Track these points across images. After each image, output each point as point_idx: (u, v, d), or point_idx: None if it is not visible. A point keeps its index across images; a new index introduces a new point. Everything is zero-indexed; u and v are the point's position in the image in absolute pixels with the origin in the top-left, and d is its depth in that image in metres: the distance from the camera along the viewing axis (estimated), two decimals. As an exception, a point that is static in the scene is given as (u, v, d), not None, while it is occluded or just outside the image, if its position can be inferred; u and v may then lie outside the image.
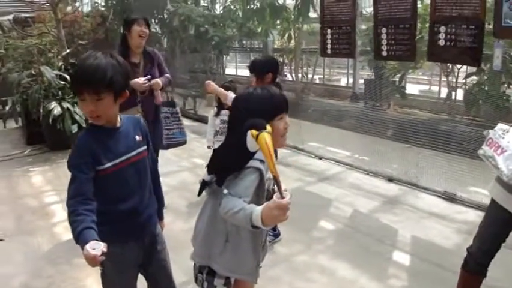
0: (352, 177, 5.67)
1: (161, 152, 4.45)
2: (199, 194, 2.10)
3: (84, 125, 6.14)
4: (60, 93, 6.61)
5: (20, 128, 8.08)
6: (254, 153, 1.84)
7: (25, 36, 8.54)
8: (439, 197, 4.91)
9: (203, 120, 8.63)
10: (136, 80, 4.03)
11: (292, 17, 9.52)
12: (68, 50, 7.70)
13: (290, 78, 10.78)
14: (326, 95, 10.57)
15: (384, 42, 5.05)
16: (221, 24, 11.36)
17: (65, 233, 4.26)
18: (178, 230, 3.95)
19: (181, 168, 6.17)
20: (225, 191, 1.85)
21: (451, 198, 4.81)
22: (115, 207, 2.02)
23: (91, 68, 1.85)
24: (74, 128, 6.25)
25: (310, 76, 10.65)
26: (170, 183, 5.45)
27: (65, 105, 6.32)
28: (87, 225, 1.71)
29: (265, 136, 1.72)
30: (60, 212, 4.67)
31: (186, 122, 9.10)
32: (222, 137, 4.78)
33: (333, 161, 6.28)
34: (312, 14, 9.20)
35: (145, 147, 2.14)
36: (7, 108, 7.20)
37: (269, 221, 1.75)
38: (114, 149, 1.99)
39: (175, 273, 2.42)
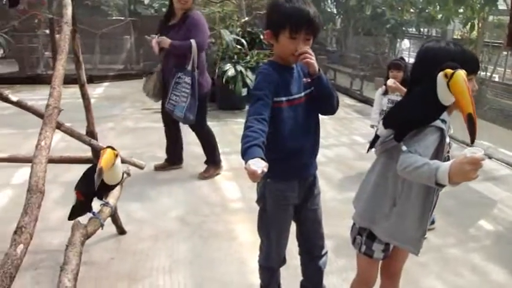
0: (523, 182, 5.09)
1: (321, 123, 4.37)
2: (369, 149, 2.06)
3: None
4: (235, 56, 7.00)
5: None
6: (443, 107, 1.72)
7: (208, 2, 9.20)
8: None
9: (368, 102, 8.46)
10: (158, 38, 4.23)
11: (478, 5, 8.75)
12: (246, 18, 8.11)
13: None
14: (504, 94, 9.59)
15: None
16: (399, 8, 10.95)
17: (222, 181, 4.56)
18: (329, 199, 3.95)
19: (340, 143, 6.15)
20: (404, 148, 1.75)
21: None
22: (284, 144, 2.07)
23: (312, 12, 1.96)
24: (244, 91, 6.58)
25: (488, 74, 9.75)
26: (328, 154, 5.48)
27: (239, 68, 6.70)
28: (256, 142, 1.75)
29: (461, 74, 1.60)
30: (222, 163, 4.95)
31: (350, 101, 9.12)
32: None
33: (503, 162, 5.70)
34: (501, 5, 8.36)
35: (312, 89, 2.13)
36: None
37: (458, 177, 1.59)
38: (289, 86, 2.06)
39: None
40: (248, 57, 7.21)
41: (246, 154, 1.73)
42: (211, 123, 6.55)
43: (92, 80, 8.88)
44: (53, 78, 1.92)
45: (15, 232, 1.45)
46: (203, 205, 4.01)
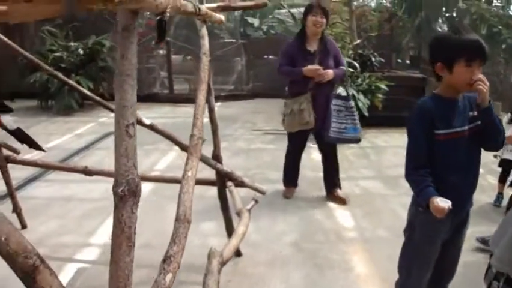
0: None
1: None
2: (510, 186, 2.00)
3: (366, 113, 6.33)
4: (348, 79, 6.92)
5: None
6: None
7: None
8: None
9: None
10: (310, 66, 4.10)
11: None
12: (358, 41, 8.02)
13: None
14: None
15: None
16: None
17: (335, 208, 4.47)
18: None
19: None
20: None
21: None
22: (442, 177, 2.08)
23: (480, 42, 2.03)
24: (356, 114, 6.48)
25: None
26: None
27: (351, 91, 6.57)
28: (428, 183, 2.02)
29: None
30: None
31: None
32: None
33: None
34: None
35: (478, 122, 2.12)
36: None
37: None
38: (452, 119, 2.08)
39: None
40: (359, 80, 7.12)
41: (422, 194, 2.02)
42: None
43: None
44: (196, 108, 2.00)
45: (164, 261, 1.50)
46: (317, 232, 3.95)
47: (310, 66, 4.13)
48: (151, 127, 2.99)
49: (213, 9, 2.75)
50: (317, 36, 4.27)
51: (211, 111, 2.89)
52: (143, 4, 1.14)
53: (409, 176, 2.13)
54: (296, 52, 4.28)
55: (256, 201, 2.69)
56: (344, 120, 4.24)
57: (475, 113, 2.10)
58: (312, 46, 4.28)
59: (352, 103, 4.38)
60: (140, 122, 2.92)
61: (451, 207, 1.86)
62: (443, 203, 1.87)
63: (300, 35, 4.36)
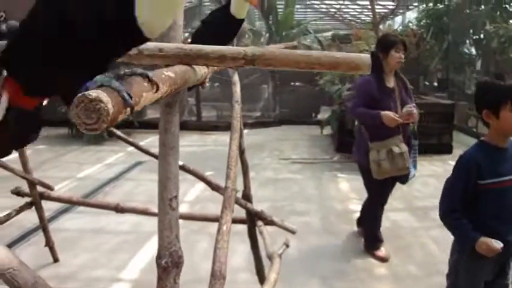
0: None
1: None
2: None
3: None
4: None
5: (331, 136, 8.79)
6: None
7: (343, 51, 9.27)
8: None
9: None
10: (389, 113, 3.69)
11: None
12: (386, 68, 8.01)
13: None
14: None
15: None
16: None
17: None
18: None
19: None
20: None
21: None
22: (487, 223, 2.12)
23: None
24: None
25: None
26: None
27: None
28: (469, 225, 2.09)
29: None
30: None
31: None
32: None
33: None
34: None
35: None
36: (326, 116, 7.93)
37: None
38: (500, 167, 2.11)
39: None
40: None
41: (469, 236, 2.09)
42: (349, 176, 6.53)
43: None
44: (229, 160, 2.03)
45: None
46: (348, 269, 3.92)
47: (389, 114, 3.69)
48: (183, 168, 3.04)
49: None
50: (392, 71, 3.96)
51: (242, 153, 2.93)
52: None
53: (446, 218, 2.18)
54: (376, 90, 3.83)
55: (287, 246, 2.70)
56: (411, 160, 3.95)
57: None
58: (390, 82, 3.92)
59: (417, 142, 4.04)
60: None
61: (502, 246, 1.95)
62: (496, 243, 1.96)
63: (377, 70, 3.80)
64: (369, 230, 4.21)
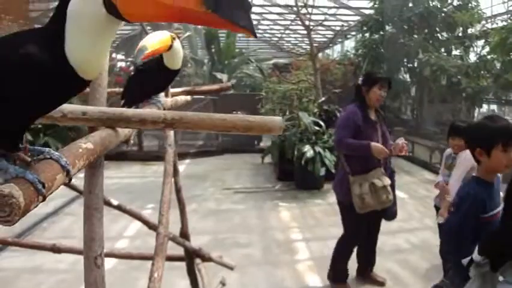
0: None
1: (403, 205, 4.17)
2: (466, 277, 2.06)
3: (333, 170, 6.49)
4: (314, 137, 7.13)
5: (272, 164, 8.93)
6: None
7: (283, 81, 9.51)
8: None
9: (449, 177, 8.16)
10: (378, 145, 3.73)
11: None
12: (323, 98, 8.28)
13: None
14: None
15: None
16: (475, 75, 10.75)
17: (306, 271, 4.52)
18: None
19: (424, 226, 5.91)
20: (501, 278, 1.76)
21: None
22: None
23: None
24: (323, 171, 6.64)
25: None
26: (411, 240, 5.29)
27: (317, 149, 6.81)
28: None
29: None
30: (303, 250, 4.98)
31: (431, 176, 8.84)
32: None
33: None
34: None
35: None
36: (268, 144, 8.07)
37: None
38: (492, 201, 2.24)
39: None
40: (325, 137, 7.30)
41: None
42: (290, 205, 6.72)
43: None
44: (161, 205, 2.07)
45: None
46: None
47: (378, 145, 3.72)
48: (119, 208, 3.05)
49: (179, 93, 2.89)
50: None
51: (178, 191, 2.97)
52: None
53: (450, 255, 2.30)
54: (362, 121, 3.82)
55: (224, 284, 2.75)
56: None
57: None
58: (372, 115, 3.93)
59: (395, 179, 4.08)
60: (108, 203, 2.97)
61: None
62: None
63: (361, 103, 3.87)
64: (338, 263, 4.12)
